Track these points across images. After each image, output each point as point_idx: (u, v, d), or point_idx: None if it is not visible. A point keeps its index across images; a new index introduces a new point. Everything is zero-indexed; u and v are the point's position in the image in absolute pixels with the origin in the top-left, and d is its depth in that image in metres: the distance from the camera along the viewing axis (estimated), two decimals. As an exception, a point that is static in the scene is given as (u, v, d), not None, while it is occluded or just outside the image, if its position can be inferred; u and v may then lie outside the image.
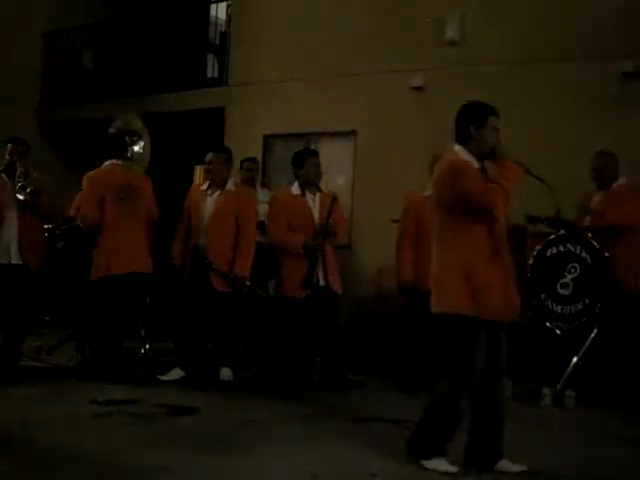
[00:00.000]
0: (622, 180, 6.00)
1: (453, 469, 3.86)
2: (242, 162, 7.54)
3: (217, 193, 6.04)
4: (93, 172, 6.04)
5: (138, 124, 6.35)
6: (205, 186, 6.14)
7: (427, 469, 3.84)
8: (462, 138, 4.08)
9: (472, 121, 4.07)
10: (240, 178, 7.28)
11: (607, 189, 6.01)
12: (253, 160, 7.68)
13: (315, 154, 6.17)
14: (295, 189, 6.00)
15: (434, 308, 3.97)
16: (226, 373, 5.97)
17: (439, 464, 3.87)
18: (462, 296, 3.84)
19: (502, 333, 3.95)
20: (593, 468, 4.10)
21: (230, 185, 6.10)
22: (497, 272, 3.90)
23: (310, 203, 5.95)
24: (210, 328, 6.16)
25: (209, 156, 6.09)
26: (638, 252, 5.86)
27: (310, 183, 5.98)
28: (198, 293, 5.91)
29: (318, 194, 5.99)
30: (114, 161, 6.06)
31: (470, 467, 3.90)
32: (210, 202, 6.02)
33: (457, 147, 4.08)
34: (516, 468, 3.91)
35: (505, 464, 3.93)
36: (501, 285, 3.90)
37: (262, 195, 7.26)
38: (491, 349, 3.90)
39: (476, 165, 4.01)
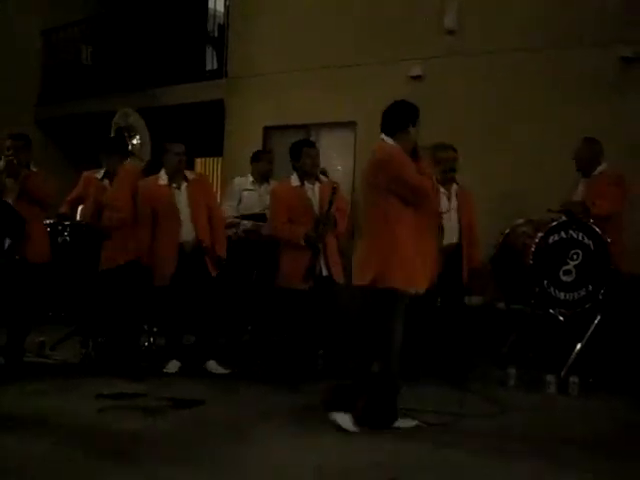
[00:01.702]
0: (603, 166, 6.00)
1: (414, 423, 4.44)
2: (260, 154, 7.51)
3: (184, 185, 6.02)
4: (128, 166, 6.25)
5: (131, 118, 6.41)
6: (164, 180, 6.03)
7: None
8: (393, 132, 4.53)
9: (411, 119, 4.56)
10: (257, 172, 7.26)
11: (589, 177, 6.04)
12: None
13: (312, 145, 6.13)
14: (294, 180, 5.97)
15: (363, 280, 4.43)
16: (212, 366, 6.02)
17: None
18: (394, 270, 4.35)
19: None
20: (596, 455, 4.09)
21: (190, 174, 6.15)
22: (422, 248, 4.43)
23: (309, 193, 5.92)
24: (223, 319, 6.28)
25: (178, 147, 6.02)
26: (624, 234, 5.91)
27: (308, 174, 5.95)
28: (191, 287, 5.92)
29: (317, 184, 5.95)
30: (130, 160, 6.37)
31: (365, 426, 4.34)
32: (181, 195, 5.99)
33: (390, 140, 4.54)
34: (408, 424, 4.43)
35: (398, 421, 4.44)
36: (424, 260, 4.44)
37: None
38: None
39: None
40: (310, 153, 5.95)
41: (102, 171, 6.38)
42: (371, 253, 4.44)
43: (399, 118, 4.55)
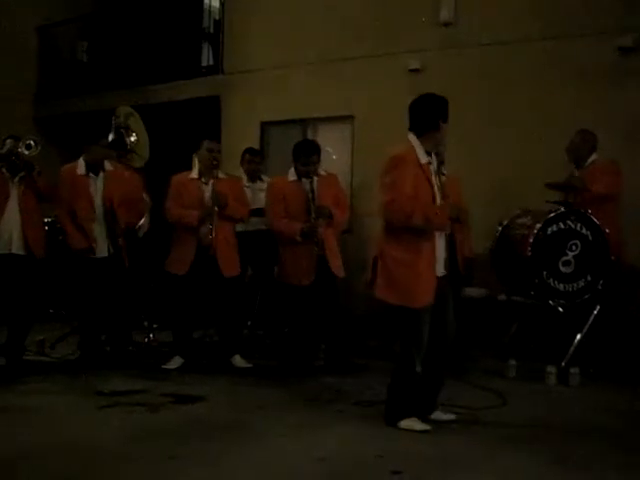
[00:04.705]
0: (595, 156, 6.04)
1: (425, 426, 4.20)
2: (251, 153, 7.48)
3: (211, 181, 5.98)
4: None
5: (122, 116, 6.41)
6: (195, 174, 6.04)
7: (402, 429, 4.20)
8: (420, 131, 4.19)
9: (440, 114, 4.21)
10: (247, 170, 7.25)
11: (582, 167, 6.06)
12: (256, 152, 7.64)
13: (318, 152, 6.05)
14: (291, 175, 5.97)
15: None
16: (238, 360, 6.03)
17: (412, 423, 4.20)
18: None
19: None
20: (597, 446, 4.09)
21: (220, 173, 6.10)
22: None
23: (306, 188, 5.90)
24: (216, 316, 6.22)
25: (210, 144, 6.03)
26: (620, 224, 5.92)
27: (309, 174, 5.95)
28: (204, 281, 5.92)
29: (315, 178, 5.94)
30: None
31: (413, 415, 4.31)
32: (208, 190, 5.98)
33: (414, 138, 4.21)
34: (447, 417, 4.40)
35: (438, 414, 4.40)
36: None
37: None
38: None
39: (424, 159, 4.17)
40: (316, 160, 5.93)
41: (82, 165, 5.99)
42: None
43: (427, 114, 4.19)
